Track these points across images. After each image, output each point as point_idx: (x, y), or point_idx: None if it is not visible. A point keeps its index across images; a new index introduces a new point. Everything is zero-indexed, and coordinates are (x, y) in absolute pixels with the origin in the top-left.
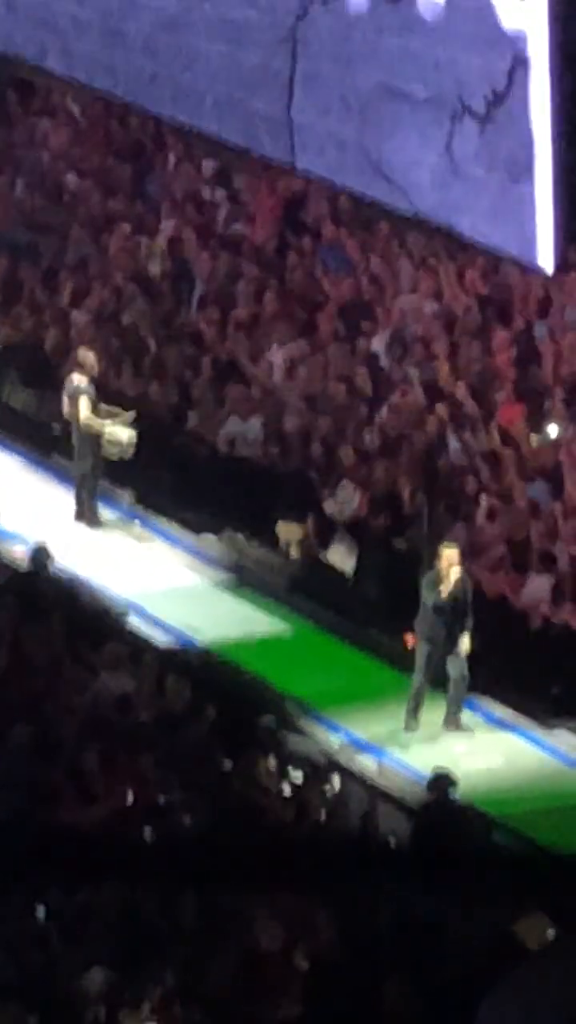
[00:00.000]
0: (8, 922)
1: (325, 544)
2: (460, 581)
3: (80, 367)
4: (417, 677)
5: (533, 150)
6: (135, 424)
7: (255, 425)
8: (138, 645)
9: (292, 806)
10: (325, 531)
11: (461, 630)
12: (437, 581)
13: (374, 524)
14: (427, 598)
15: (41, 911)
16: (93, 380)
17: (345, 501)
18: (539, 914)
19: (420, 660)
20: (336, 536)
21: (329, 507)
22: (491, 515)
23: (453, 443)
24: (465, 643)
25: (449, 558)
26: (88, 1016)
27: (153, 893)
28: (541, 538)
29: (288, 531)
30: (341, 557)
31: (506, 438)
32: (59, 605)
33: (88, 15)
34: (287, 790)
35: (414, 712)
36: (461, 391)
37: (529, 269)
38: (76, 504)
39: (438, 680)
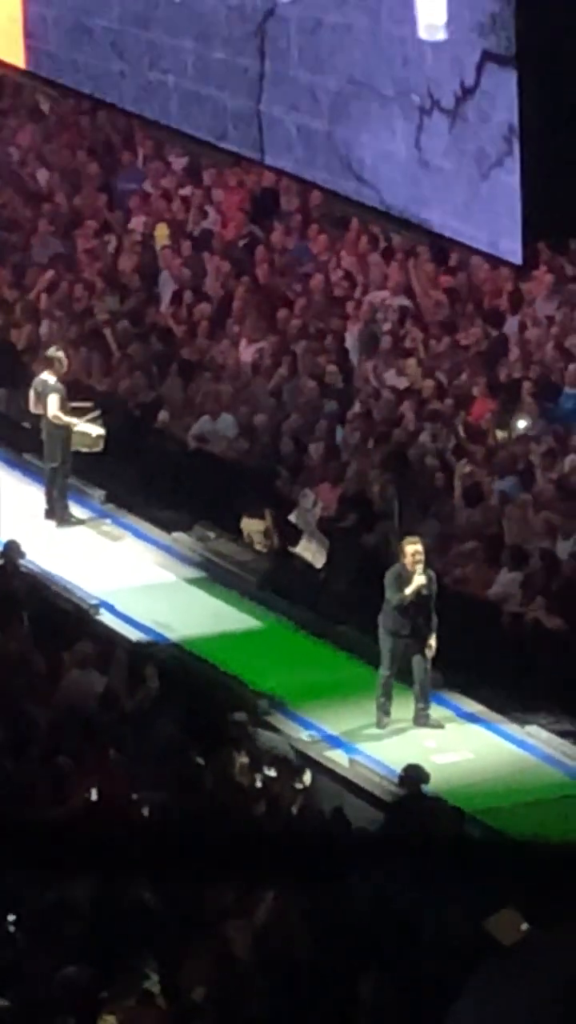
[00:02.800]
0: None
1: (286, 536)
2: (425, 577)
3: (49, 365)
4: (383, 672)
5: (502, 144)
6: (105, 421)
7: (225, 421)
8: (109, 642)
9: (263, 802)
10: (287, 524)
11: (427, 627)
12: (401, 577)
13: (344, 520)
14: (390, 594)
15: (11, 910)
16: (63, 378)
17: (307, 509)
18: (511, 910)
19: (385, 655)
20: (306, 531)
21: (293, 517)
22: (461, 510)
23: (423, 438)
24: (432, 641)
25: (412, 554)
26: (62, 1015)
27: (126, 890)
28: (512, 533)
29: (250, 524)
30: (312, 553)
31: (476, 433)
32: (30, 602)
33: (56, 12)
34: (259, 786)
35: (384, 708)
36: (431, 386)
37: (499, 263)
38: (47, 502)
39: (408, 676)
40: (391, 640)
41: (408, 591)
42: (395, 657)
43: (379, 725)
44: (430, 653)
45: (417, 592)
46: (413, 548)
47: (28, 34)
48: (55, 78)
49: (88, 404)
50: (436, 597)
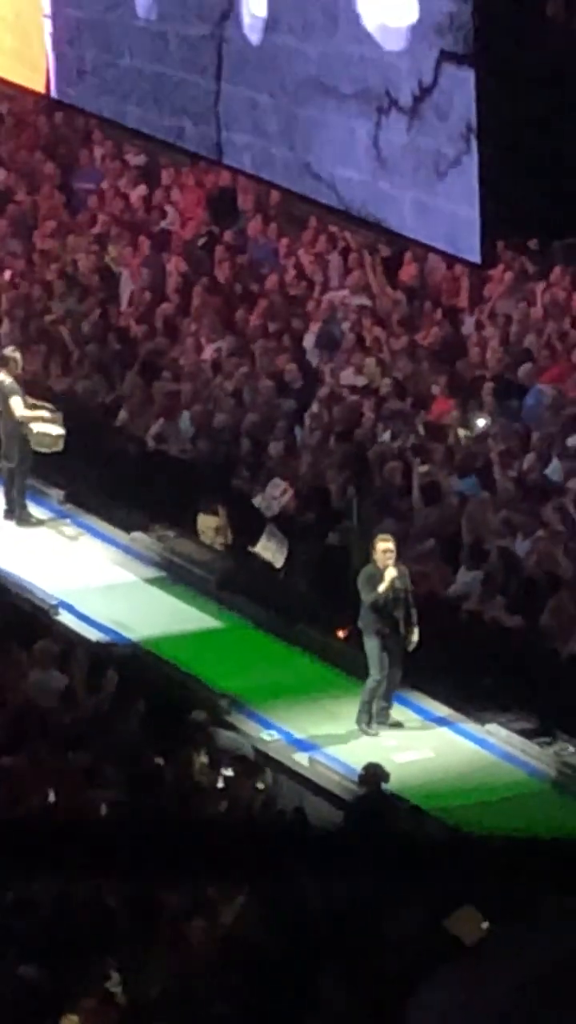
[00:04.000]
0: None
1: (240, 532)
2: (397, 571)
3: (4, 364)
4: (375, 677)
5: (460, 144)
6: (64, 421)
7: (184, 421)
8: (69, 642)
9: (223, 801)
10: (240, 520)
11: (408, 622)
12: (374, 577)
13: (304, 519)
14: (365, 596)
15: None
16: (19, 378)
17: (274, 497)
18: (471, 909)
19: (373, 660)
20: (266, 531)
21: (258, 501)
22: (420, 509)
23: (383, 437)
24: (413, 638)
25: (384, 551)
26: (22, 1016)
27: (85, 889)
28: (470, 532)
29: (205, 521)
30: (271, 552)
31: (436, 432)
32: None
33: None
34: (219, 785)
35: (369, 708)
36: (390, 385)
37: (457, 262)
38: (6, 502)
39: (366, 674)
40: (377, 641)
41: (381, 588)
42: (383, 660)
43: (360, 723)
44: (411, 647)
45: (391, 588)
46: (384, 546)
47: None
48: (10, 77)
49: (46, 407)
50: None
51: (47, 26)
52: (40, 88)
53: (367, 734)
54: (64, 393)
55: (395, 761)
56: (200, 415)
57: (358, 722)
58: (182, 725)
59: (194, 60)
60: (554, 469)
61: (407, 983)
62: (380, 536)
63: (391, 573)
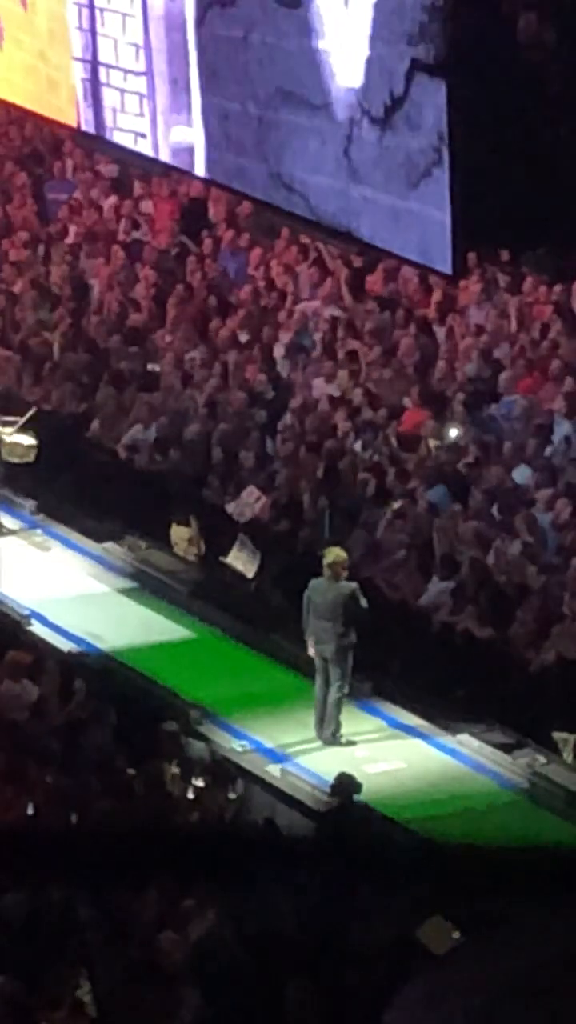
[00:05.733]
0: None
1: (211, 544)
2: (347, 585)
3: None
4: (319, 684)
5: (431, 154)
6: (35, 431)
7: (156, 431)
8: (40, 652)
9: (194, 811)
10: (212, 531)
11: (347, 637)
12: (323, 586)
13: (276, 529)
14: (312, 603)
15: None
16: None
17: (247, 504)
18: (440, 919)
19: (319, 666)
20: (238, 542)
21: (231, 507)
22: (391, 519)
23: (355, 447)
24: (348, 656)
25: (333, 564)
26: None
27: (56, 899)
28: (442, 542)
29: (177, 532)
30: (243, 563)
31: (407, 442)
32: None
33: None
34: (190, 795)
35: (322, 720)
36: (362, 395)
37: (429, 272)
38: None
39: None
40: (319, 650)
41: (327, 593)
42: (325, 670)
43: (321, 737)
44: (347, 661)
45: (334, 599)
46: (333, 555)
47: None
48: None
49: (14, 419)
50: (365, 607)
51: (79, 70)
52: (72, 122)
53: (321, 738)
54: (36, 403)
55: (367, 772)
56: (172, 426)
57: (318, 735)
58: (153, 735)
59: (165, 69)
60: (522, 475)
61: (377, 993)
62: (329, 548)
63: (342, 576)
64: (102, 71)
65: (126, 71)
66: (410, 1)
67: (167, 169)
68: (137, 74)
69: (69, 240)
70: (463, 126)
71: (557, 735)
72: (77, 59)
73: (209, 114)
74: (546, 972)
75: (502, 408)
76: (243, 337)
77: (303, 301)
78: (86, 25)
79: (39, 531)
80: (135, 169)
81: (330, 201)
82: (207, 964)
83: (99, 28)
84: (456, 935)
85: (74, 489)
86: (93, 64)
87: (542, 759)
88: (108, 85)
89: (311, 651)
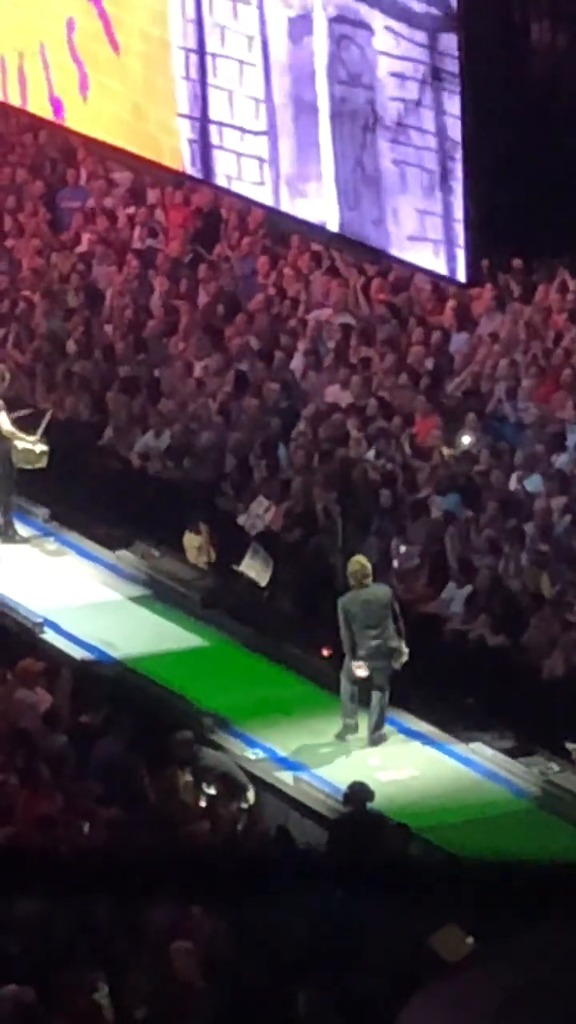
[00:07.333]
0: None
1: (222, 551)
2: (379, 588)
3: None
4: (347, 691)
5: (445, 162)
6: (48, 438)
7: (169, 439)
8: (53, 660)
9: (208, 820)
10: (225, 539)
11: (393, 641)
12: (358, 596)
13: (289, 537)
14: (351, 615)
15: None
16: (4, 394)
17: (258, 515)
18: (454, 926)
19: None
20: (250, 549)
21: (243, 520)
22: (405, 527)
23: (368, 455)
24: (400, 657)
25: (355, 572)
26: None
27: (70, 908)
28: (455, 550)
29: (189, 540)
30: (256, 571)
31: (420, 451)
32: None
33: None
34: (203, 804)
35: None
36: (375, 404)
37: (443, 280)
38: None
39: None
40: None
41: (358, 600)
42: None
43: (343, 736)
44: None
45: (367, 604)
46: (357, 563)
47: None
48: None
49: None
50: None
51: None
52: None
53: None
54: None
55: (379, 780)
56: (185, 433)
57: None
58: (167, 744)
59: (180, 76)
60: (534, 483)
61: (391, 1002)
62: (355, 557)
63: (367, 583)
64: (213, 130)
65: (243, 130)
66: (423, 10)
67: (181, 178)
68: (256, 133)
69: (82, 248)
70: (477, 134)
71: (570, 745)
72: (183, 115)
73: (223, 121)
74: (559, 980)
75: (515, 416)
76: (256, 345)
77: (316, 309)
78: (194, 75)
79: (52, 539)
80: (149, 177)
81: (343, 209)
82: (219, 972)
83: (210, 79)
84: (470, 941)
85: (87, 497)
86: (202, 122)
87: (555, 767)
88: (221, 147)
89: (360, 672)
